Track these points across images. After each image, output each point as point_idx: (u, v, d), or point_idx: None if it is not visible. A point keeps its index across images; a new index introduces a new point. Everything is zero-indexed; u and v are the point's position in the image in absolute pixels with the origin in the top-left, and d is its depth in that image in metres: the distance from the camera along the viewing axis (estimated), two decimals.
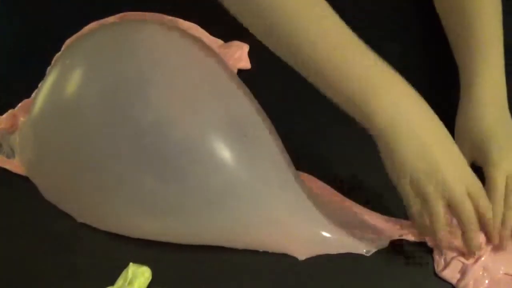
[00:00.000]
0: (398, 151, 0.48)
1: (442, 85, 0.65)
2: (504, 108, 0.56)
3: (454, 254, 0.53)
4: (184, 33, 0.60)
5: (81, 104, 0.55)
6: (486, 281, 0.52)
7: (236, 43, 0.67)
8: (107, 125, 0.53)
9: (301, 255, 0.54)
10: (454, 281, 0.52)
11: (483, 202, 0.49)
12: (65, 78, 0.56)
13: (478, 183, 0.50)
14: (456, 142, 0.54)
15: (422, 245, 0.55)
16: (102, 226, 0.56)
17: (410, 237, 0.54)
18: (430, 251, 0.54)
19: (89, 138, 0.54)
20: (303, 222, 0.55)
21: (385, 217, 0.56)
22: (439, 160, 0.48)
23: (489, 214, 0.50)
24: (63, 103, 0.55)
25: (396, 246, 0.55)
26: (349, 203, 0.57)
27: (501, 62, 0.58)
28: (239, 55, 0.66)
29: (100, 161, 0.53)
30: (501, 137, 0.54)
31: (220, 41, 0.68)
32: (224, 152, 0.53)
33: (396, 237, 0.54)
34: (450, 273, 0.53)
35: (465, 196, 0.49)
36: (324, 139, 0.62)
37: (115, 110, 0.53)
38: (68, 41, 0.67)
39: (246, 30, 0.69)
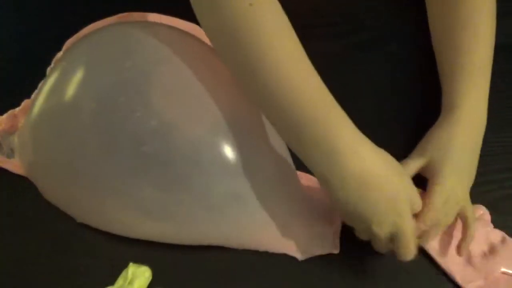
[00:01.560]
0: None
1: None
2: (476, 140, 0.57)
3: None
4: (185, 33, 0.60)
5: (78, 107, 0.54)
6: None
7: None
8: (105, 130, 0.53)
9: (301, 255, 0.55)
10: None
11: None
12: (64, 81, 0.56)
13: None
14: (415, 151, 0.57)
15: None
16: (102, 228, 0.56)
17: None
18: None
19: (87, 143, 0.53)
20: (303, 222, 0.55)
21: None
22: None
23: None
24: (62, 105, 0.55)
25: None
26: None
27: (485, 92, 0.58)
28: None
29: (98, 167, 0.53)
30: (458, 166, 0.55)
31: None
32: (227, 158, 0.53)
33: None
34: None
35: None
36: None
37: (113, 115, 0.53)
38: (68, 41, 0.67)
39: None
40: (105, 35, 0.59)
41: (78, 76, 0.55)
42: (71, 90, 0.55)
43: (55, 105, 0.56)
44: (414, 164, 0.56)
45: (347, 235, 0.56)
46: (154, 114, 0.52)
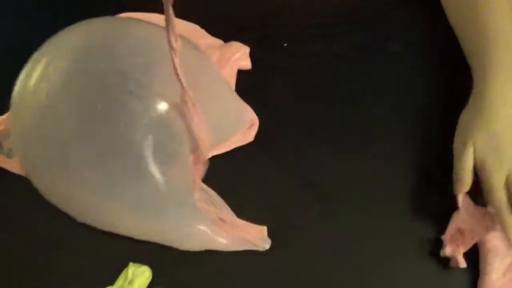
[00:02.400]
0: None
1: (445, 84, 0.65)
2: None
3: None
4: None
5: (58, 102, 0.54)
6: None
7: (236, 43, 0.67)
8: (82, 126, 0.53)
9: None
10: None
11: None
12: (39, 68, 0.55)
13: None
14: (457, 138, 0.56)
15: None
16: (95, 225, 0.56)
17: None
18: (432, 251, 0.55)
19: (65, 139, 0.53)
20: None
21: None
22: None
23: None
24: (42, 101, 0.55)
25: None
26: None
27: None
28: (239, 55, 0.66)
29: (77, 164, 0.54)
30: (507, 140, 0.54)
31: (220, 41, 0.67)
32: None
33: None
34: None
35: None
36: (323, 140, 0.62)
37: (88, 110, 0.53)
38: None
39: (246, 30, 0.69)
40: (86, 30, 0.59)
41: (57, 70, 0.55)
42: (49, 84, 0.54)
43: (35, 100, 0.55)
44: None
45: (345, 236, 0.56)
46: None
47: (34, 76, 0.56)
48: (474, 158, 0.54)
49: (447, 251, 0.53)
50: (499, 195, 0.51)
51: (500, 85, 0.56)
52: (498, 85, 0.56)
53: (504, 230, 0.51)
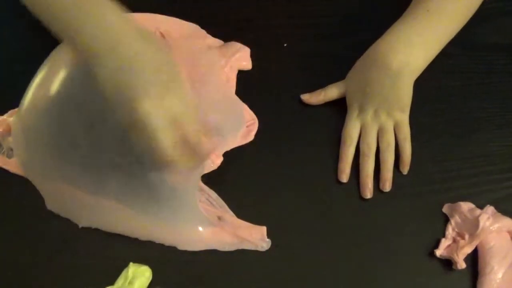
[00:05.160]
0: None
1: (440, 82, 0.66)
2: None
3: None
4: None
5: (63, 102, 0.55)
6: None
7: (236, 43, 0.67)
8: (87, 127, 0.54)
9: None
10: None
11: None
12: (52, 76, 0.57)
13: None
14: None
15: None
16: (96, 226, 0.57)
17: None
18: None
19: (70, 137, 0.54)
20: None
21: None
22: None
23: None
24: (49, 100, 0.56)
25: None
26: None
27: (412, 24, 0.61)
28: (239, 55, 0.66)
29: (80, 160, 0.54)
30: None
31: (220, 41, 0.67)
32: None
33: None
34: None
35: None
36: (323, 140, 0.62)
37: (94, 111, 0.54)
38: None
39: (246, 30, 0.69)
40: None
41: (63, 73, 0.56)
42: (56, 86, 0.56)
43: (43, 100, 0.57)
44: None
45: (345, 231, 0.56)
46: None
47: (42, 82, 0.58)
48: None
49: (440, 253, 0.54)
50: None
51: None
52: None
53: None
